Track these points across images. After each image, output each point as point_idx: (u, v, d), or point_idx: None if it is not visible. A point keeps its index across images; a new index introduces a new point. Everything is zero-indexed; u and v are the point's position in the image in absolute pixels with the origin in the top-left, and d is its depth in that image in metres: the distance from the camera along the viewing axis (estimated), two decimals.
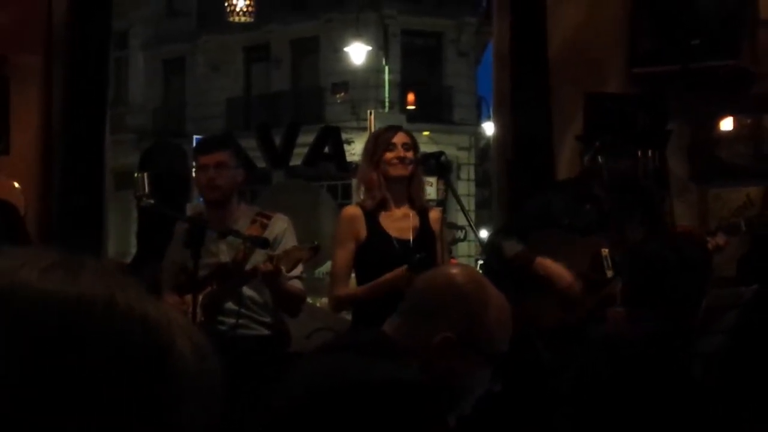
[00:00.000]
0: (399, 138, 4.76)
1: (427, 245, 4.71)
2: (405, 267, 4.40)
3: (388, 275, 4.50)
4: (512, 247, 5.02)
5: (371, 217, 4.73)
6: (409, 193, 4.79)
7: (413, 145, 4.80)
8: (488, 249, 5.30)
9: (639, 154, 5.49)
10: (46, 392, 0.79)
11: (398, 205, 4.77)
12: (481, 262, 13.69)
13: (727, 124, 6.52)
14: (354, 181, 5.56)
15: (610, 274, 4.86)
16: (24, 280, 0.82)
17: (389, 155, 4.71)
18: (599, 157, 5.02)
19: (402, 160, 4.71)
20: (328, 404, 2.10)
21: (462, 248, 24.10)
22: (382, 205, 4.75)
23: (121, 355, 0.82)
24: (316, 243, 4.59)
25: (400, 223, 4.75)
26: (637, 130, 5.85)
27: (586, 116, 6.15)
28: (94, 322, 0.82)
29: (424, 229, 4.76)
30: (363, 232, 4.71)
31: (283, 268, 4.46)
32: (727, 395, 3.10)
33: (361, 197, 4.86)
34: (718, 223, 5.26)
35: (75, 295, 0.82)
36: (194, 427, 0.86)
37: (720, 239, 4.98)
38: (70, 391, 0.79)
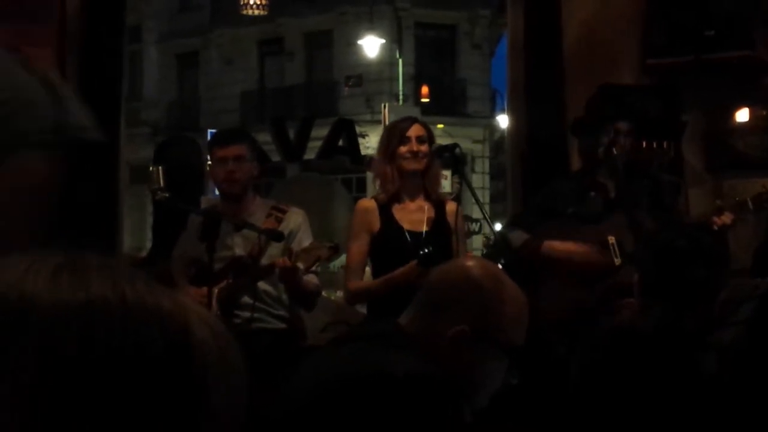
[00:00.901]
0: (413, 131, 4.73)
1: (441, 237, 4.70)
2: (414, 262, 4.39)
3: (398, 270, 4.50)
4: (518, 237, 5.01)
5: (385, 209, 4.73)
6: (424, 185, 4.78)
7: (428, 138, 4.77)
8: (497, 244, 5.30)
9: (654, 144, 5.46)
10: (71, 403, 0.78)
11: (413, 197, 4.76)
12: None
13: (742, 115, 6.49)
14: (370, 176, 5.57)
15: (617, 262, 4.82)
16: (33, 290, 0.81)
17: (403, 149, 4.69)
18: (614, 149, 5.00)
19: (415, 154, 4.69)
20: (342, 396, 2.10)
21: (477, 241, 24.07)
22: (396, 198, 4.75)
23: (142, 353, 0.81)
24: (336, 242, 4.58)
25: (414, 215, 4.74)
26: (651, 121, 5.82)
27: (595, 106, 6.10)
28: (109, 325, 0.81)
29: (438, 221, 4.74)
30: (376, 225, 4.71)
31: (301, 266, 4.45)
32: (743, 388, 3.09)
33: (377, 190, 4.87)
34: (724, 201, 5.17)
35: (86, 299, 0.81)
36: (224, 416, 0.85)
37: (726, 217, 4.90)
38: (96, 398, 0.78)
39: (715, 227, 4.79)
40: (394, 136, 4.74)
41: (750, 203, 5.01)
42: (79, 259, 0.85)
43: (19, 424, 0.77)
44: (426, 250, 4.40)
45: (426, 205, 4.76)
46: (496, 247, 5.38)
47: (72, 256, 0.86)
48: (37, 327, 0.79)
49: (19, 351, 0.78)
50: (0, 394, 0.78)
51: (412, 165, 4.70)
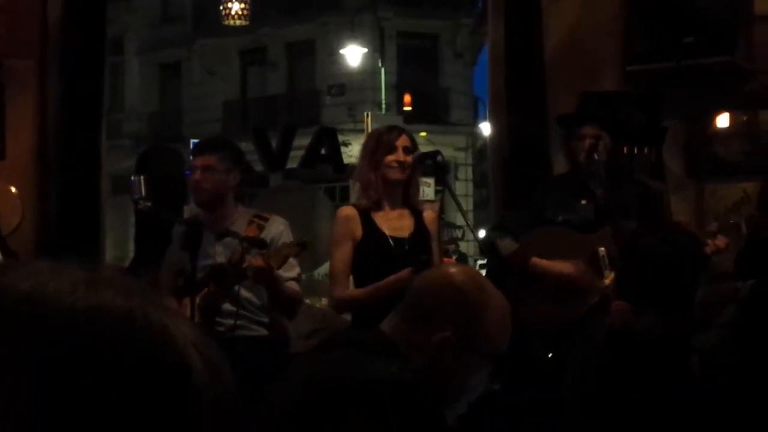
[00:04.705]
0: (401, 141, 4.77)
1: (423, 244, 4.72)
2: (410, 269, 4.39)
3: (391, 277, 4.49)
4: (507, 246, 5.01)
5: (366, 216, 4.73)
6: (405, 194, 4.80)
7: (413, 149, 4.81)
8: (484, 247, 5.30)
9: (635, 150, 5.47)
10: (67, 406, 0.79)
11: (393, 205, 4.78)
12: (480, 262, 13.70)
13: (722, 120, 6.52)
14: (353, 184, 5.56)
15: (607, 273, 4.79)
16: (53, 294, 0.83)
17: (390, 158, 4.71)
18: (595, 155, 5.01)
19: (401, 164, 4.72)
20: (324, 403, 2.10)
21: (465, 247, 24.08)
22: (378, 205, 4.76)
23: (141, 369, 0.82)
24: (304, 240, 4.59)
25: (395, 222, 4.75)
26: (633, 128, 5.83)
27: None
28: (114, 337, 0.82)
29: (419, 228, 4.77)
30: (358, 232, 4.71)
31: (273, 265, 4.46)
32: (727, 389, 3.11)
33: (358, 195, 4.87)
34: (718, 224, 5.14)
35: (97, 309, 0.82)
36: None
37: (720, 242, 4.87)
38: (90, 406, 0.79)
39: (709, 251, 4.75)
40: (382, 144, 4.75)
41: (744, 227, 4.97)
42: (99, 273, 0.88)
43: (16, 422, 0.78)
44: (424, 257, 4.41)
45: (406, 212, 4.78)
46: (484, 251, 5.35)
47: (93, 269, 0.88)
48: (50, 328, 0.81)
49: (29, 350, 0.80)
50: (4, 387, 0.79)
51: (397, 175, 4.72)
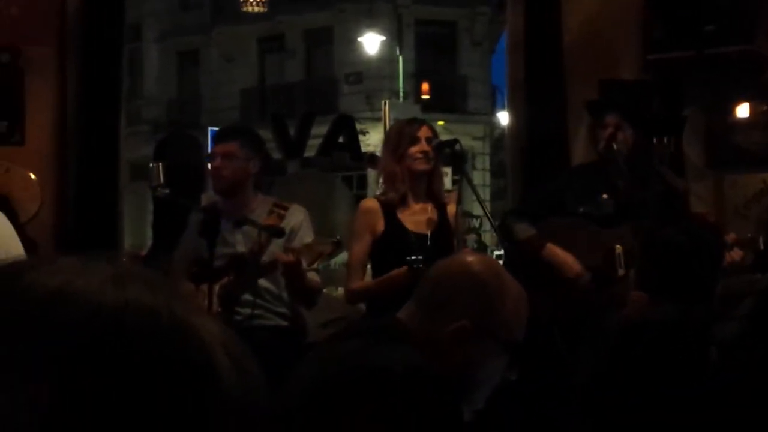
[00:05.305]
0: (423, 132, 4.76)
1: (445, 239, 4.71)
2: (405, 268, 4.40)
3: (389, 273, 4.51)
4: (524, 230, 4.99)
5: (389, 210, 4.72)
6: (429, 187, 4.79)
7: (434, 139, 4.81)
8: (500, 229, 5.28)
9: (654, 139, 5.45)
10: (88, 401, 0.79)
11: (417, 199, 4.77)
12: (497, 252, 13.67)
13: (742, 110, 6.49)
14: (371, 173, 5.55)
15: (621, 272, 4.77)
16: (83, 290, 0.83)
17: (413, 149, 4.70)
18: (614, 144, 4.98)
19: (426, 154, 4.71)
20: (340, 392, 2.10)
21: (487, 238, 24.03)
22: (402, 199, 4.75)
23: (165, 364, 0.82)
24: (338, 238, 4.57)
25: (418, 216, 4.74)
26: (652, 117, 5.80)
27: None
28: (140, 331, 0.82)
29: (441, 224, 4.75)
30: (380, 226, 4.71)
31: (304, 262, 4.45)
32: (744, 382, 3.09)
33: (380, 190, 4.86)
34: (736, 236, 5.08)
35: (124, 304, 0.83)
36: None
37: (735, 254, 4.85)
38: (114, 399, 0.80)
39: (725, 263, 4.72)
40: (404, 136, 4.75)
41: (761, 242, 4.94)
42: (126, 269, 0.88)
43: (38, 415, 0.79)
44: (415, 257, 4.40)
45: (429, 207, 4.77)
46: (499, 232, 5.32)
47: (120, 265, 0.88)
48: (75, 326, 0.81)
49: (54, 347, 0.80)
50: (29, 381, 0.79)
51: (422, 165, 4.71)
